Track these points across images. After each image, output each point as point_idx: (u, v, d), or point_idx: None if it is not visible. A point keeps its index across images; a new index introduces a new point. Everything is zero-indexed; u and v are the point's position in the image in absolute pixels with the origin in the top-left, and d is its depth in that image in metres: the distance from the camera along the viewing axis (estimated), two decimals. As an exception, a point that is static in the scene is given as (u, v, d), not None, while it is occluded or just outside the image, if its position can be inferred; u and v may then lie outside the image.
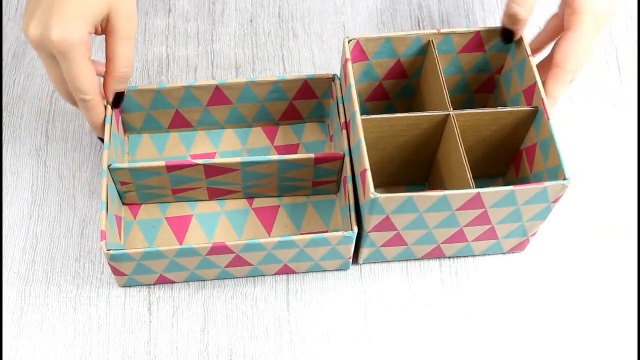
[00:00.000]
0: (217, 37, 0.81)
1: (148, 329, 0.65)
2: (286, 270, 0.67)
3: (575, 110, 0.77)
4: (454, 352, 0.65)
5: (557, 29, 0.67)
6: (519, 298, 0.67)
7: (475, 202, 0.59)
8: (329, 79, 0.70)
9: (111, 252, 0.60)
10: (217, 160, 0.65)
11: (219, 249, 0.61)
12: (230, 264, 0.64)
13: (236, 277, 0.67)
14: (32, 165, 0.73)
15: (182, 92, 0.69)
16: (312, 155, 0.65)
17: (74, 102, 0.64)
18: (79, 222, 0.70)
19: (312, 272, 0.68)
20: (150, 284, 0.67)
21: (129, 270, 0.63)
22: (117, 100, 0.66)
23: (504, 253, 0.69)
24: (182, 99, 0.70)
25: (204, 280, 0.67)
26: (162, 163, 0.65)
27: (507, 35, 0.65)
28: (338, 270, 0.68)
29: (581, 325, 0.66)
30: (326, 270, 0.68)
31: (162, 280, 0.66)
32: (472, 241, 0.66)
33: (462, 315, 0.66)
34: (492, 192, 0.57)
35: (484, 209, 0.60)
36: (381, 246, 0.65)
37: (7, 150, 0.74)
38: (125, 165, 0.65)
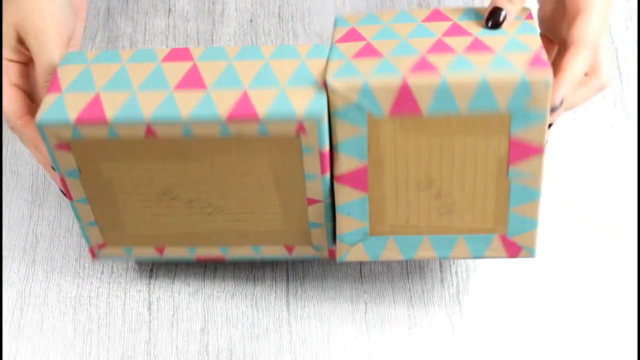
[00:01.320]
0: (217, 37, 0.81)
1: (148, 329, 0.65)
2: (244, 109, 0.53)
3: (575, 110, 0.77)
4: (453, 352, 0.65)
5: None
6: (519, 298, 0.67)
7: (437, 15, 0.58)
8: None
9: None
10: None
11: (179, 54, 0.57)
12: (181, 83, 0.55)
13: (181, 118, 0.53)
14: (32, 165, 0.73)
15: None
16: None
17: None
18: (79, 222, 0.70)
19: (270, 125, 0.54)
20: (73, 119, 0.53)
21: (68, 80, 0.55)
22: None
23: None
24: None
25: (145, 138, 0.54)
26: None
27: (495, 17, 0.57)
28: (307, 118, 0.53)
29: (581, 326, 0.66)
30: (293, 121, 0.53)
31: (92, 111, 0.54)
32: (464, 54, 0.54)
33: (462, 316, 0.66)
34: None
35: (452, 22, 0.57)
36: (353, 58, 0.55)
37: (7, 150, 0.74)
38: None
